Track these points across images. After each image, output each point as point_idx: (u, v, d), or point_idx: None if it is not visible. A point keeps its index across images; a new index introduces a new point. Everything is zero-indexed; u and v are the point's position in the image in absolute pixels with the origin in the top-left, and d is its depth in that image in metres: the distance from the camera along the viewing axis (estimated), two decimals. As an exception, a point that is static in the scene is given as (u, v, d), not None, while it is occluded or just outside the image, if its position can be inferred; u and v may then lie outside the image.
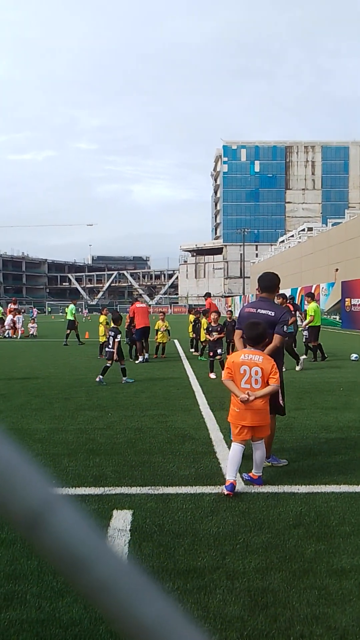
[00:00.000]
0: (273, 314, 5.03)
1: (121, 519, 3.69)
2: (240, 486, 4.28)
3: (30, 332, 25.09)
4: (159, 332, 15.00)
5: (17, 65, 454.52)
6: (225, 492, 4.11)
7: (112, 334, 10.05)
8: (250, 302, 5.33)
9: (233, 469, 4.21)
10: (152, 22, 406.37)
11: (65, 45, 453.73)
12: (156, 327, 15.04)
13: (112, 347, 9.94)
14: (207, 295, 16.30)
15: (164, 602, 0.36)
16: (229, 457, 4.33)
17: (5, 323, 25.25)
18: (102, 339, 14.42)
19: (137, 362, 13.59)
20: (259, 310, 5.09)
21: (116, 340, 9.91)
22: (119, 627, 0.35)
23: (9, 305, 26.83)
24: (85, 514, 0.36)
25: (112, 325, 10.41)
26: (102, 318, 15.01)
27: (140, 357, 13.71)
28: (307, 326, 13.58)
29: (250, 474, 4.44)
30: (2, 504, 0.34)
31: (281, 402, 5.04)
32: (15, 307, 25.80)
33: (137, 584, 0.36)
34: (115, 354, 9.92)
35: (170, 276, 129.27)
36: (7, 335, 24.67)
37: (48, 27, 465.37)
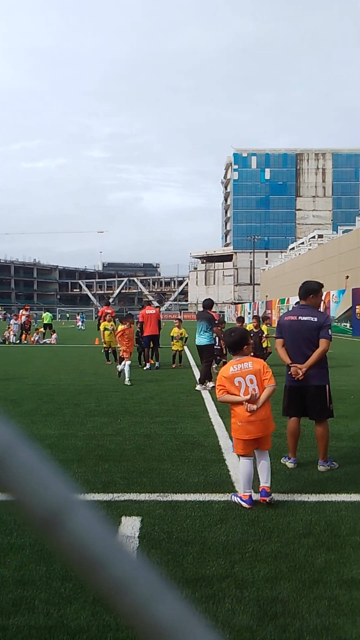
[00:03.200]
0: (316, 319, 5.14)
1: (130, 526, 3.68)
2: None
3: (51, 341, 24.97)
4: (174, 340, 14.35)
5: (32, 75, 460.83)
6: (247, 506, 4.03)
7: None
8: (289, 310, 5.38)
9: (248, 483, 4.12)
10: (164, 32, 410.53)
11: (78, 55, 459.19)
12: (171, 334, 14.47)
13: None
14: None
15: (178, 603, 0.37)
16: (241, 472, 4.18)
17: (13, 329, 25.39)
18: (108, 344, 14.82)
19: (144, 368, 13.59)
20: (300, 317, 5.14)
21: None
22: (134, 625, 0.36)
23: (21, 311, 27.07)
24: (101, 516, 0.37)
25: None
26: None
27: (147, 364, 13.69)
28: None
29: (265, 488, 4.11)
30: (22, 504, 0.36)
31: (330, 405, 5.17)
32: (27, 313, 25.98)
33: (151, 584, 0.37)
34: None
35: (180, 283, 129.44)
36: (16, 341, 24.79)
37: (61, 37, 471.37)
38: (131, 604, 0.36)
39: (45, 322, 27.41)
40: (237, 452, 4.29)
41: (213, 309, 11.08)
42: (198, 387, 10.09)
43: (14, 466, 0.36)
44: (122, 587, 0.36)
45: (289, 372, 5.09)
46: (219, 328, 11.10)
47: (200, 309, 13.91)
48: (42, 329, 26.25)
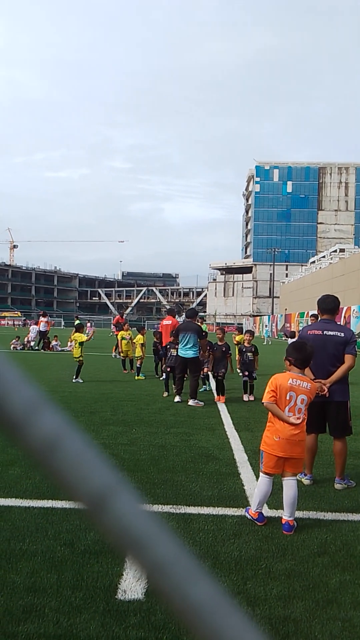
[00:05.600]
0: (343, 335, 5.03)
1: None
2: (263, 510, 4.18)
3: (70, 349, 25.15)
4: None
5: (56, 87, 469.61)
6: (259, 524, 3.96)
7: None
8: (310, 324, 5.30)
9: (263, 501, 4.02)
10: (187, 45, 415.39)
11: (102, 67, 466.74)
12: None
13: None
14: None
15: (214, 586, 0.39)
16: (258, 489, 4.05)
17: (31, 335, 25.54)
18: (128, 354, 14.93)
19: (161, 378, 13.58)
20: (325, 332, 5.03)
21: None
22: (171, 604, 0.38)
23: (40, 317, 27.24)
24: (143, 500, 0.40)
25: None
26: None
27: (164, 374, 13.66)
28: None
29: (288, 521, 3.89)
30: (70, 487, 0.38)
31: (350, 422, 5.12)
32: (46, 319, 26.10)
33: (189, 566, 0.39)
34: None
35: (198, 294, 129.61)
36: (36, 347, 24.98)
37: (86, 49, 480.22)
38: (170, 584, 0.38)
39: None
40: (265, 471, 4.03)
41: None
42: (191, 403, 9.63)
43: (65, 452, 0.38)
44: (162, 567, 0.38)
45: None
46: (206, 341, 10.33)
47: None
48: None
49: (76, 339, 12.71)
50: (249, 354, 10.76)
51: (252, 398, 10.40)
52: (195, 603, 0.38)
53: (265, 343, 39.29)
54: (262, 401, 4.14)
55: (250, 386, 10.60)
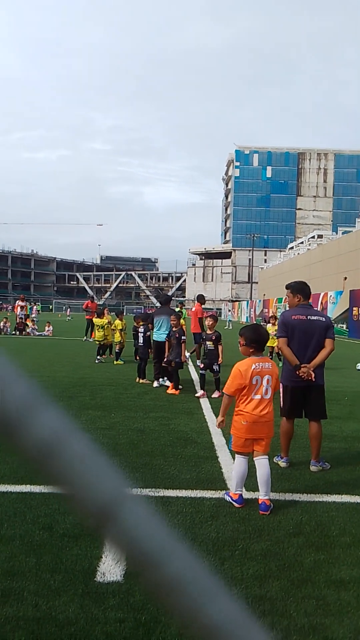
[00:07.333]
0: (324, 320, 5.18)
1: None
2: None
3: (45, 333, 24.87)
4: None
5: (34, 66, 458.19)
6: (238, 505, 4.01)
7: None
8: (291, 309, 5.28)
9: (241, 482, 4.08)
10: (170, 27, 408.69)
11: (83, 48, 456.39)
12: None
13: None
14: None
15: (234, 603, 0.36)
16: (235, 471, 4.13)
17: (19, 319, 25.16)
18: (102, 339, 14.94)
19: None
20: (309, 316, 5.11)
21: None
22: (186, 624, 0.35)
23: (17, 302, 26.82)
24: (156, 511, 0.36)
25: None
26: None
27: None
28: None
29: (264, 501, 3.98)
30: (72, 497, 0.34)
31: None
32: (23, 304, 25.72)
33: (207, 583, 0.36)
34: None
35: (178, 279, 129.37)
36: (14, 332, 24.66)
37: (66, 30, 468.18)
38: (186, 603, 0.35)
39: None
40: (234, 449, 4.18)
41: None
42: (159, 382, 10.05)
43: (65, 456, 0.34)
44: (177, 585, 0.35)
45: (297, 372, 4.97)
46: (179, 321, 9.69)
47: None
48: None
49: (116, 326, 13.85)
50: (209, 342, 8.97)
51: (217, 395, 8.70)
52: (215, 621, 0.35)
53: (227, 327, 38.87)
54: (223, 391, 4.31)
55: (215, 380, 8.94)
